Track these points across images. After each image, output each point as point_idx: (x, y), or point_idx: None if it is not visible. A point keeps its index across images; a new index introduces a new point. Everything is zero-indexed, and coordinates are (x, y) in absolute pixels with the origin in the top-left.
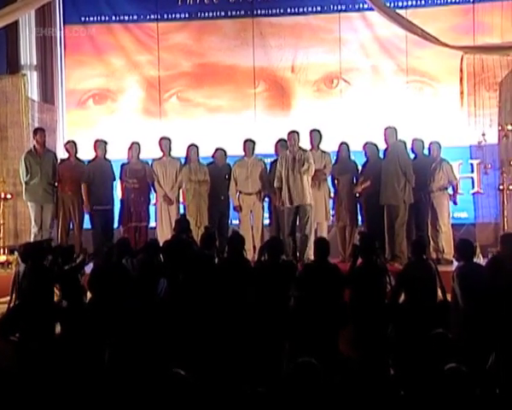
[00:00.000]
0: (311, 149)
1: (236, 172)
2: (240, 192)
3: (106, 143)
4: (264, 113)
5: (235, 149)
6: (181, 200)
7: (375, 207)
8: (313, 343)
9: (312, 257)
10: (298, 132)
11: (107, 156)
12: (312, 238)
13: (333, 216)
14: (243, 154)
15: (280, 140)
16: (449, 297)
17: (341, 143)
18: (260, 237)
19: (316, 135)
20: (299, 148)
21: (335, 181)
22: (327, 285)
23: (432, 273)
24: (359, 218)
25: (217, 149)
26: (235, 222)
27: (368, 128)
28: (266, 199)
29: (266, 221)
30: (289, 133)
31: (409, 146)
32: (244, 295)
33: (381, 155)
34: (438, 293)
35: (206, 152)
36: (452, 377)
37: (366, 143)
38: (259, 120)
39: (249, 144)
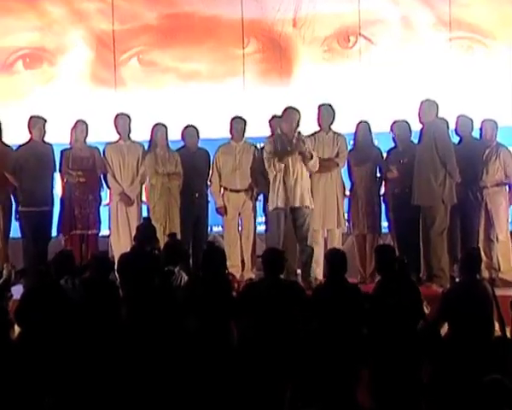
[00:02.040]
0: (318, 132)
1: (220, 162)
2: (224, 189)
3: (44, 120)
4: (257, 82)
5: (218, 131)
6: (144, 199)
7: (405, 209)
8: (323, 389)
9: (320, 276)
10: (298, 111)
11: (47, 139)
12: (320, 251)
13: (348, 221)
14: (229, 137)
15: (276, 116)
16: (509, 331)
17: (360, 123)
18: (252, 249)
19: (326, 112)
20: (299, 133)
21: (352, 173)
22: (345, 314)
23: (486, 299)
24: (384, 223)
25: (186, 127)
26: (217, 229)
27: (396, 102)
28: (260, 198)
29: (260, 228)
30: (285, 110)
31: (453, 126)
32: (225, 331)
33: (416, 139)
34: (494, 325)
35: (177, 134)
36: None
37: (394, 123)
38: (250, 91)
39: (237, 124)
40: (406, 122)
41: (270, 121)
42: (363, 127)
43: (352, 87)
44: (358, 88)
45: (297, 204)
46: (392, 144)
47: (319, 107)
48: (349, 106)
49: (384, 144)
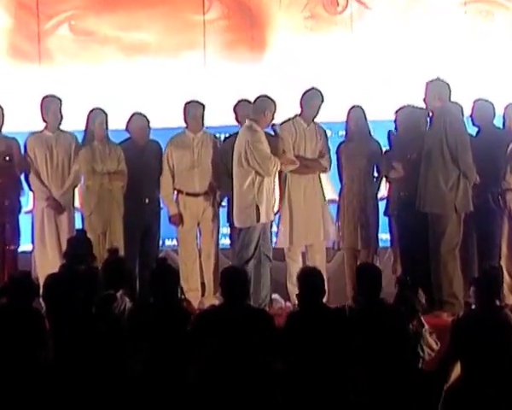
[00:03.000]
0: (294, 118)
1: (173, 158)
2: (179, 192)
3: None
4: (221, 56)
5: (172, 119)
6: (77, 205)
7: (412, 218)
8: None
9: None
10: (273, 102)
11: None
12: (294, 269)
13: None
14: (184, 125)
15: (244, 102)
16: None
17: (352, 108)
18: (214, 269)
19: (312, 98)
20: (273, 126)
21: (342, 172)
22: (325, 348)
23: (508, 331)
24: (382, 235)
25: (132, 115)
26: (170, 243)
27: (397, 83)
28: (225, 203)
29: (225, 241)
30: (258, 100)
31: (468, 113)
32: (178, 372)
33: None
34: None
35: (121, 123)
36: None
37: (400, 109)
38: (212, 68)
39: (194, 110)
40: (416, 108)
41: (235, 107)
42: (357, 114)
43: (342, 63)
44: (350, 64)
45: (271, 217)
46: (395, 136)
47: (304, 94)
48: (338, 87)
49: (383, 136)
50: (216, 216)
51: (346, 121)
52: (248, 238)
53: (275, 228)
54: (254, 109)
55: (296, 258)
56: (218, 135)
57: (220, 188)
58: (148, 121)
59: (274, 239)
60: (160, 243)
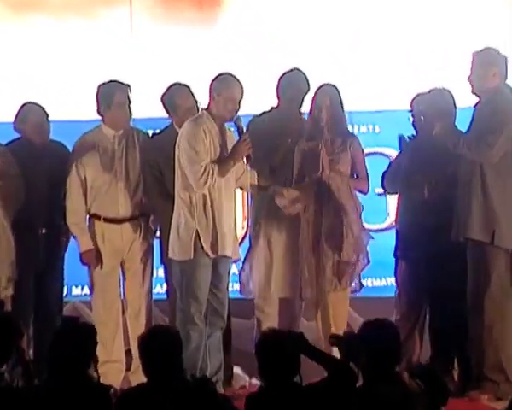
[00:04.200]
0: (271, 111)
1: (85, 168)
2: (94, 217)
3: None
4: (154, 18)
5: (80, 109)
6: None
7: (440, 256)
8: None
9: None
10: (232, 81)
11: None
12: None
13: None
14: (99, 118)
15: (181, 86)
16: None
17: (322, 87)
18: (146, 326)
19: (294, 80)
20: (237, 120)
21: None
22: None
23: None
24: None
25: (24, 106)
26: (80, 292)
27: (409, 51)
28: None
29: (161, 289)
30: (216, 80)
31: None
32: None
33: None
34: None
35: (7, 115)
36: None
37: (417, 96)
38: (142, 34)
39: (115, 95)
40: (445, 91)
41: (164, 94)
42: (329, 95)
43: (323, 23)
44: (333, 24)
45: (226, 251)
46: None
47: (282, 76)
48: (319, 61)
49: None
50: (149, 252)
51: (311, 106)
52: (186, 280)
53: (237, 270)
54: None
55: (272, 312)
56: (150, 132)
57: (155, 210)
58: (47, 114)
59: (235, 286)
60: (65, 291)
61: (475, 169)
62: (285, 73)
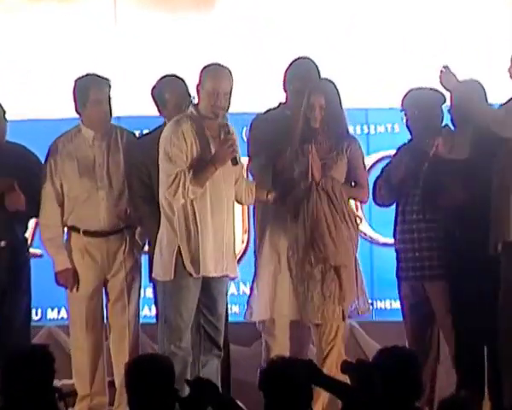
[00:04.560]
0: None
1: (61, 174)
2: (73, 230)
3: None
4: (142, 4)
5: (57, 106)
6: None
7: (470, 273)
8: None
9: None
10: (217, 70)
11: None
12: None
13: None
14: (79, 118)
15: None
16: None
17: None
18: (132, 354)
19: (303, 70)
20: (225, 127)
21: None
22: None
23: None
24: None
25: None
26: (55, 315)
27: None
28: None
29: (148, 312)
30: (206, 69)
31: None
32: None
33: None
34: None
35: None
36: None
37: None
38: (127, 22)
39: (95, 90)
40: (477, 82)
41: (155, 87)
42: (323, 93)
43: (319, 8)
44: (329, 10)
45: (208, 271)
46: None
47: (291, 64)
48: (316, 47)
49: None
50: (135, 270)
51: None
52: (166, 304)
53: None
54: None
55: (281, 336)
56: (137, 132)
57: (142, 221)
58: (4, 111)
59: (234, 308)
60: (39, 314)
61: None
62: (292, 63)
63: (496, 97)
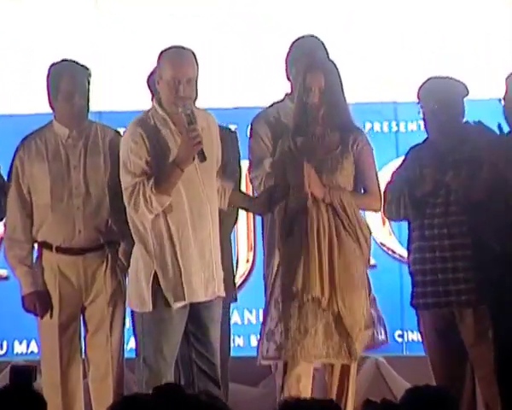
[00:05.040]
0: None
1: (29, 180)
2: (44, 247)
3: None
4: None
5: (31, 100)
6: None
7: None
8: None
9: None
10: (191, 54)
11: None
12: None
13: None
14: (52, 113)
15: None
16: None
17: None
18: (114, 397)
19: (307, 49)
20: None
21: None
22: None
23: None
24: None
25: None
26: (24, 349)
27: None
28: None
29: (134, 345)
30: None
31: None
32: None
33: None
34: None
35: None
36: None
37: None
38: (111, 9)
39: (70, 81)
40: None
41: (149, 79)
42: (322, 72)
43: (317, 4)
44: (328, 5)
45: (196, 296)
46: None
47: (292, 46)
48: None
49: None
50: (118, 293)
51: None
52: (144, 340)
53: (241, 319)
54: None
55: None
56: (121, 130)
57: (125, 235)
58: None
59: (237, 341)
60: (3, 348)
61: None
62: (293, 43)
63: (494, 94)
